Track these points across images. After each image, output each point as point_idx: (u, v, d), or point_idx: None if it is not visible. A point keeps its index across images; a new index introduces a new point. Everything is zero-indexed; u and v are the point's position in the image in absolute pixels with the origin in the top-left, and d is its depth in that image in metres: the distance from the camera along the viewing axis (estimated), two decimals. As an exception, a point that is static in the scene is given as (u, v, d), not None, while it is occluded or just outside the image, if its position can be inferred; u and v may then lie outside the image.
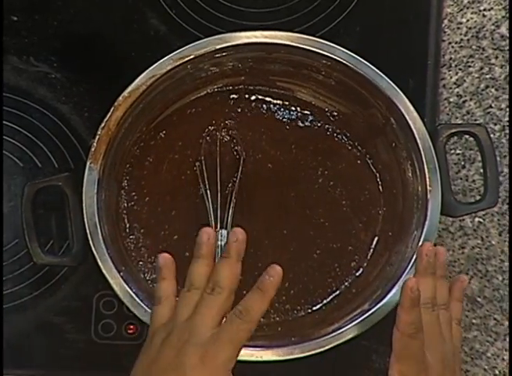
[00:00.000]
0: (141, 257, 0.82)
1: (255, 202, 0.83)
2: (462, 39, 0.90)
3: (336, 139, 0.85)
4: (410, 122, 0.78)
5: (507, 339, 0.89)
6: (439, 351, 0.71)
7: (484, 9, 0.91)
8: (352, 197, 0.84)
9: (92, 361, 0.85)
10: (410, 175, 0.81)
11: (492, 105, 0.90)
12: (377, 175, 0.85)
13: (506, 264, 0.90)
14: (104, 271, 0.75)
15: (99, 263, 0.75)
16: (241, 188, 0.82)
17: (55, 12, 0.87)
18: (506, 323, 0.90)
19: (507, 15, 0.90)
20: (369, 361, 0.87)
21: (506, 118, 0.90)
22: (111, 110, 0.76)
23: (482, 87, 0.90)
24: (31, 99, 0.87)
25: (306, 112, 0.85)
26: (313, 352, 0.76)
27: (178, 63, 0.76)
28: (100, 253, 0.75)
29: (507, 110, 0.90)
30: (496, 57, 0.90)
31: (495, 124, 0.90)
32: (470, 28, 0.90)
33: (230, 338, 0.65)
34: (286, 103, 0.84)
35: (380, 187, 0.85)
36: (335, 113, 0.85)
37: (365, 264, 0.84)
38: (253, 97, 0.84)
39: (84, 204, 0.75)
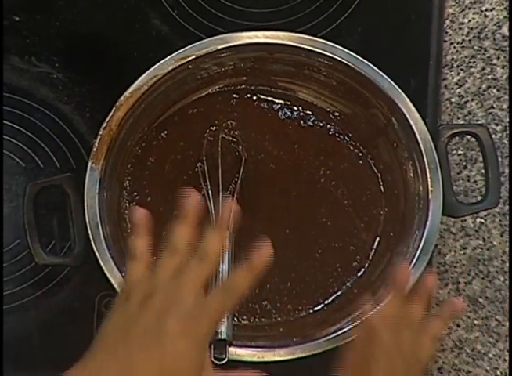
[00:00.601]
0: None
1: (257, 202, 0.84)
2: (464, 39, 0.90)
3: (338, 139, 0.85)
4: (412, 122, 0.78)
5: (509, 340, 0.89)
6: (387, 366, 0.70)
7: (486, 10, 0.91)
8: (354, 196, 0.84)
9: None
10: (412, 175, 0.81)
11: (494, 105, 0.90)
12: (379, 175, 0.85)
13: (508, 264, 0.90)
14: (106, 271, 0.75)
15: (101, 263, 0.75)
16: (243, 188, 0.82)
17: (57, 12, 0.87)
18: (508, 323, 0.89)
19: (509, 15, 0.90)
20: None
21: (508, 119, 0.90)
22: (113, 110, 0.76)
23: (484, 87, 0.90)
24: (33, 99, 0.87)
25: (308, 112, 0.85)
26: (314, 353, 0.76)
27: (180, 63, 0.76)
28: (102, 253, 0.75)
29: (509, 110, 0.90)
30: (498, 58, 0.90)
31: (497, 125, 0.90)
32: (471, 28, 0.90)
33: (213, 314, 0.65)
34: (288, 103, 0.85)
35: (382, 187, 0.85)
36: (336, 114, 0.85)
37: (366, 264, 0.84)
38: (255, 97, 0.84)
39: (85, 205, 0.75)
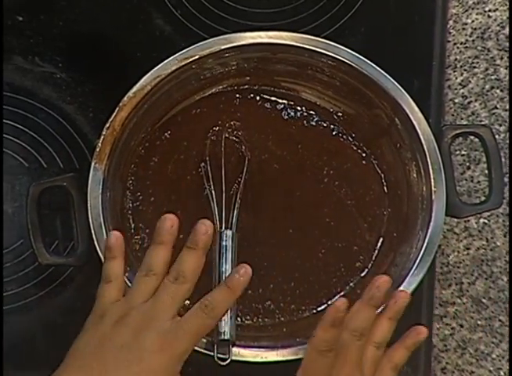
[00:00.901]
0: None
1: (261, 202, 0.83)
2: (467, 40, 0.90)
3: (341, 139, 0.85)
4: (415, 123, 0.78)
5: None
6: None
7: (490, 10, 0.91)
8: (357, 197, 0.84)
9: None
10: (415, 175, 0.80)
11: (497, 106, 0.90)
12: (382, 175, 0.84)
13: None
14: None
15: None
16: (247, 188, 0.82)
17: (60, 12, 0.87)
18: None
19: (512, 16, 0.91)
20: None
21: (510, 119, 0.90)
22: (116, 111, 0.76)
23: (487, 88, 0.90)
24: (36, 99, 0.87)
25: (311, 112, 0.84)
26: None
27: (183, 63, 0.76)
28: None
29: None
30: (501, 58, 0.90)
31: (501, 125, 0.90)
32: (475, 29, 0.90)
33: (192, 331, 0.66)
34: (292, 103, 0.84)
35: (385, 188, 0.84)
36: (340, 114, 0.85)
37: (370, 265, 0.84)
38: (258, 97, 0.84)
39: (89, 205, 0.75)
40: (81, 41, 0.88)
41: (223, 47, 0.77)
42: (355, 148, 0.85)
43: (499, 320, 0.89)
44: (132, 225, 0.82)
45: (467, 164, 0.90)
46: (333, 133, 0.85)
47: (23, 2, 0.87)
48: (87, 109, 0.87)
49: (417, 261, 0.77)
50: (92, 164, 0.75)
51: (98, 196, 0.75)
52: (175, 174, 0.83)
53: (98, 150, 0.75)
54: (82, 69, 0.87)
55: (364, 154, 0.85)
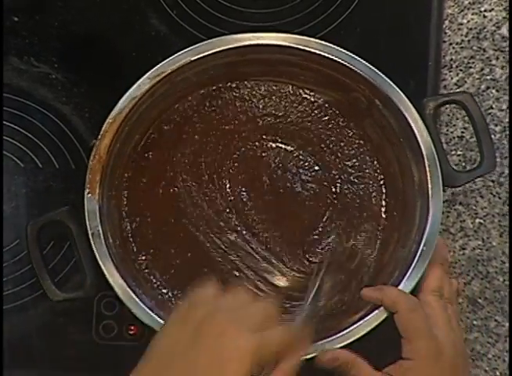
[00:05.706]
0: (153, 276, 0.82)
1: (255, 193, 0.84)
2: (463, 40, 0.90)
3: (332, 122, 0.85)
4: (395, 100, 0.77)
5: (508, 340, 0.89)
6: (449, 335, 0.72)
7: (485, 10, 0.91)
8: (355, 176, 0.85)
9: (93, 362, 0.86)
10: (405, 152, 0.80)
11: (493, 106, 0.90)
12: (375, 157, 0.84)
13: (507, 265, 0.90)
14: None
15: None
16: (243, 187, 0.83)
17: (56, 12, 0.88)
18: (507, 324, 0.89)
19: (508, 16, 0.90)
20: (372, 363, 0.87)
21: (507, 119, 0.90)
22: (99, 139, 0.75)
23: (483, 88, 0.90)
24: (32, 99, 0.87)
25: (295, 105, 0.84)
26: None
27: (156, 80, 0.76)
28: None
29: (508, 111, 0.90)
30: (497, 58, 0.90)
31: (496, 125, 0.90)
32: (470, 29, 0.90)
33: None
34: (273, 97, 0.84)
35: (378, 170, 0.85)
36: (321, 102, 0.84)
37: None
38: (237, 101, 0.84)
39: (90, 235, 0.74)
40: (76, 41, 0.88)
41: (193, 58, 0.76)
42: (346, 128, 0.85)
43: (495, 320, 0.89)
44: (134, 249, 0.82)
45: (463, 164, 0.90)
46: (324, 119, 0.85)
47: (19, 3, 0.87)
48: (82, 109, 0.87)
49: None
50: (85, 194, 0.75)
51: (97, 225, 0.75)
52: (166, 192, 0.83)
53: (88, 180, 0.75)
54: (78, 69, 0.88)
55: (352, 133, 0.85)
